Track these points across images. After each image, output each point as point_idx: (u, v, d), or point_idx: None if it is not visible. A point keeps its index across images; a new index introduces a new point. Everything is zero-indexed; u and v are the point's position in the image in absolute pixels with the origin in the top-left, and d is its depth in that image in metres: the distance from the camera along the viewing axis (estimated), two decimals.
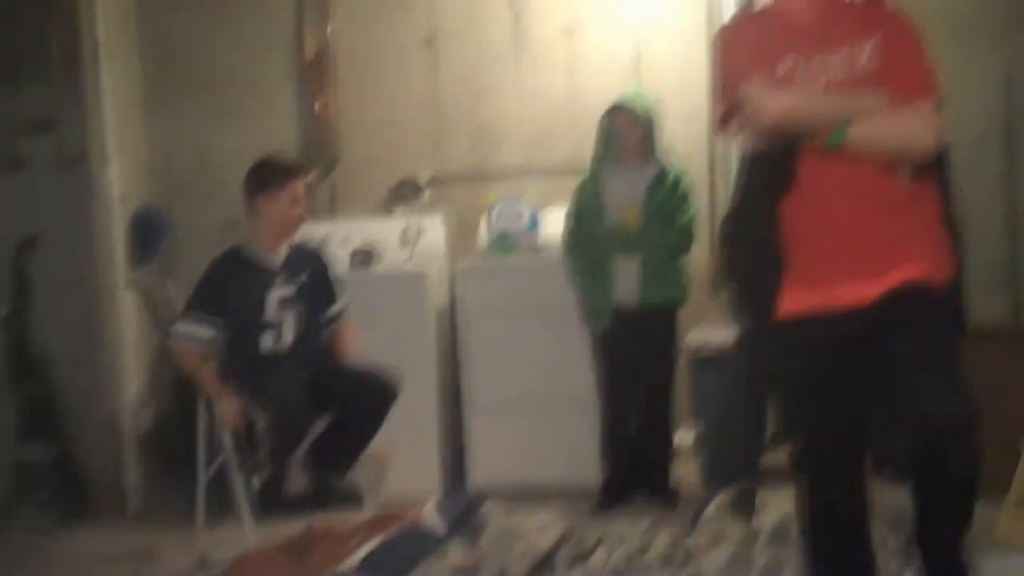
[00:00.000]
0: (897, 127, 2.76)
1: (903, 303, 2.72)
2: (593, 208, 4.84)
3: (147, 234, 5.59)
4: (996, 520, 4.04)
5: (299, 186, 4.54)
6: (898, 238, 2.78)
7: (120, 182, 5.47)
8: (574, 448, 5.05)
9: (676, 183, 4.81)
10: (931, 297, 2.75)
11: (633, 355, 4.78)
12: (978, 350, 4.52)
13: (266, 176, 4.53)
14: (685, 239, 4.82)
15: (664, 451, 4.89)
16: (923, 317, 2.74)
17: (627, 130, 4.80)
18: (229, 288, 4.47)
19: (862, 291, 2.75)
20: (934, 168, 2.84)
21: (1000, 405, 4.33)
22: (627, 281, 4.76)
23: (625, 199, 4.79)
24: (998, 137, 5.41)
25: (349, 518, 4.44)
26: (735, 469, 4.32)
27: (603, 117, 4.87)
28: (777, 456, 3.94)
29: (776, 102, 2.72)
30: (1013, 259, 5.42)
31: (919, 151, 2.76)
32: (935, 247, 2.82)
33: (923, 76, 2.80)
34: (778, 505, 3.90)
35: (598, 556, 3.88)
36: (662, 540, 3.92)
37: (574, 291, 4.92)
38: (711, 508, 4.05)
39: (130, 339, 5.49)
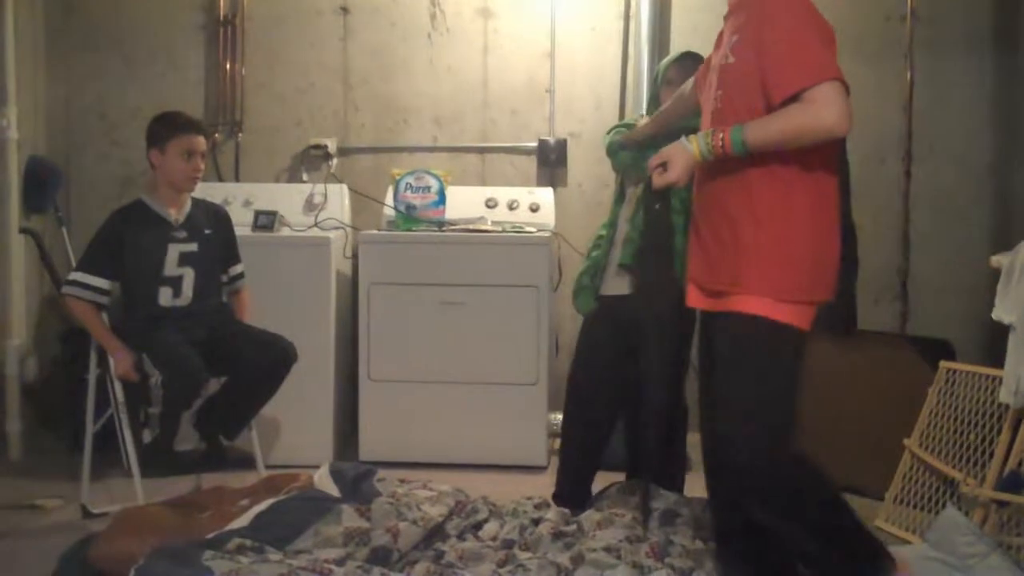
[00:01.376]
0: (787, 122, 2.78)
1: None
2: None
3: (42, 183, 5.47)
4: (878, 513, 4.19)
5: (190, 141, 4.44)
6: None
7: (18, 129, 5.32)
8: (463, 424, 5.08)
9: None
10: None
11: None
12: (868, 354, 4.72)
13: (158, 130, 4.47)
14: None
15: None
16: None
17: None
18: (128, 239, 4.38)
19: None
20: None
21: (886, 407, 4.51)
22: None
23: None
24: (897, 152, 5.60)
25: (240, 479, 4.40)
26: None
27: (660, 67, 4.28)
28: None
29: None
30: (904, 269, 5.62)
31: (821, 134, 2.78)
32: None
33: (796, 66, 2.79)
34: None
35: (489, 527, 3.90)
36: (553, 515, 3.95)
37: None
38: (611, 490, 4.09)
39: (19, 286, 5.35)
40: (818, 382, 4.65)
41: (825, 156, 2.90)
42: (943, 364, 4.33)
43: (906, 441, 4.28)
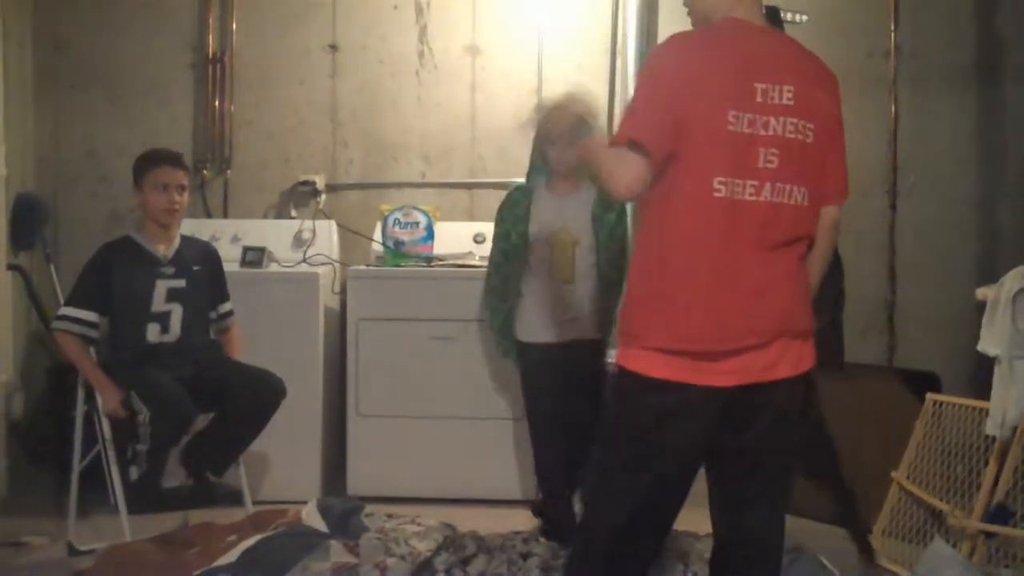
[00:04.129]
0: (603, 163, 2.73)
1: None
2: (521, 230, 4.43)
3: (29, 219, 5.48)
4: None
5: (164, 173, 4.47)
6: None
7: (6, 166, 5.33)
8: (452, 459, 5.07)
9: (623, 211, 4.44)
10: None
11: (560, 383, 4.44)
12: (855, 386, 4.74)
13: (137, 166, 4.53)
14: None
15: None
16: None
17: (565, 145, 4.14)
18: (116, 275, 4.40)
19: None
20: None
21: (874, 439, 4.52)
22: (556, 315, 4.42)
23: (561, 223, 4.37)
24: (882, 185, 5.64)
25: (228, 515, 4.39)
26: None
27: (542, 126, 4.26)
28: None
29: None
30: (890, 302, 5.65)
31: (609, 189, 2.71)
32: None
33: (621, 119, 2.71)
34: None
35: (477, 562, 3.90)
36: (543, 549, 3.95)
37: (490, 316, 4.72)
38: None
39: (6, 323, 5.34)
40: None
41: (682, 205, 2.67)
42: (930, 396, 4.35)
43: (894, 473, 4.30)
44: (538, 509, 4.59)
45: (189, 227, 4.87)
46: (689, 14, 2.87)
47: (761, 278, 2.62)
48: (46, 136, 5.87)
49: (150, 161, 4.51)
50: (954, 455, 4.12)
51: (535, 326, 4.43)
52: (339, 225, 5.65)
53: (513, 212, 4.47)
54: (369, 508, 4.22)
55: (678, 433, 2.64)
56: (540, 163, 4.48)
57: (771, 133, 2.61)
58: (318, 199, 5.77)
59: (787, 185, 2.62)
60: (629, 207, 4.43)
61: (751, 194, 2.59)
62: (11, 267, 5.35)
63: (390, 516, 4.18)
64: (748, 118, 2.59)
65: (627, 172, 2.58)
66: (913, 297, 5.66)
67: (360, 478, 5.10)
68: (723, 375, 2.60)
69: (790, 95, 2.63)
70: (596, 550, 2.75)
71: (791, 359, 2.67)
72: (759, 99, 2.60)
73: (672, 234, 2.63)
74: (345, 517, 4.07)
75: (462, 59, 5.83)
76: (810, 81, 2.72)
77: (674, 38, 2.72)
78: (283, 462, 5.03)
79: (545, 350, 4.41)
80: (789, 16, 4.75)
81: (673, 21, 5.44)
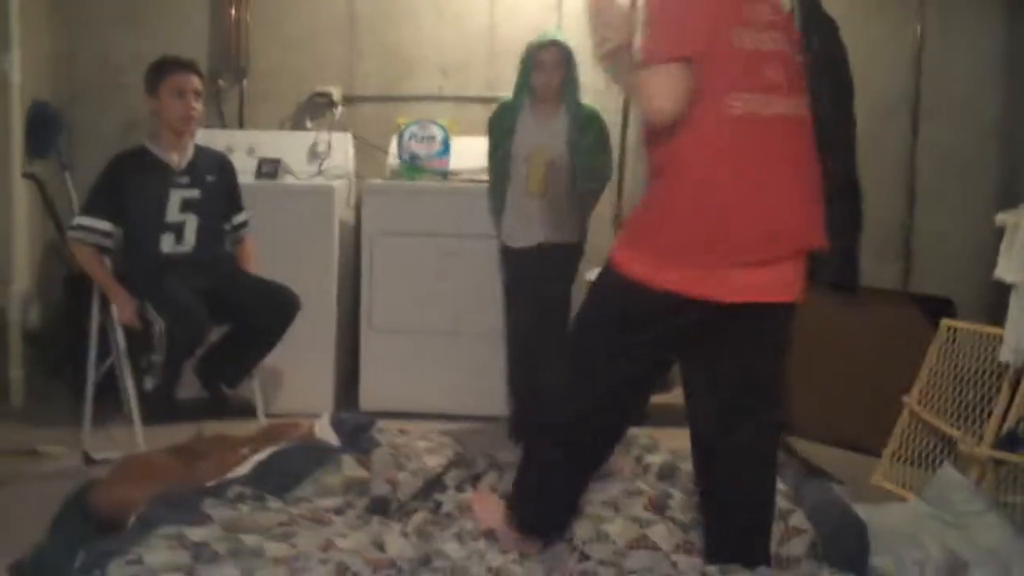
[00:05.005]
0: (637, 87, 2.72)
1: None
2: (506, 146, 4.74)
3: (43, 127, 5.46)
4: (876, 470, 4.20)
5: (181, 79, 4.45)
6: None
7: (21, 73, 5.30)
8: (466, 375, 5.09)
9: (599, 130, 4.75)
10: None
11: (536, 292, 4.75)
12: (869, 311, 4.72)
13: (151, 74, 4.49)
14: (602, 186, 4.88)
15: None
16: None
17: (553, 68, 4.63)
18: (130, 184, 4.39)
19: None
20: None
21: (887, 363, 4.51)
22: (532, 221, 4.72)
23: (538, 141, 4.69)
24: (905, 108, 5.57)
25: (241, 427, 4.42)
26: None
27: (529, 51, 4.69)
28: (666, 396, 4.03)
29: None
30: (908, 226, 5.60)
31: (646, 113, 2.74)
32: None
33: (649, 42, 2.69)
34: (667, 443, 3.97)
35: (488, 479, 3.91)
36: None
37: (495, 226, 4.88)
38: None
39: (22, 232, 5.35)
40: (818, 338, 4.65)
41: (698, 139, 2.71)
42: (944, 322, 4.32)
43: (905, 398, 4.28)
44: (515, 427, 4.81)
45: (204, 137, 4.83)
46: None
47: (777, 196, 2.69)
48: (61, 44, 5.82)
49: (165, 67, 4.47)
50: (967, 382, 4.10)
51: (514, 231, 4.77)
52: (355, 138, 5.61)
53: (500, 126, 4.78)
54: (381, 423, 4.23)
55: (666, 334, 2.78)
56: (525, 85, 4.72)
57: (769, 48, 2.72)
58: (334, 111, 5.73)
59: (793, 99, 2.74)
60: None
61: (766, 108, 2.67)
62: (26, 175, 5.35)
63: (402, 431, 4.18)
64: (748, 35, 2.68)
65: (675, 88, 2.62)
66: (931, 221, 5.62)
67: (373, 392, 5.13)
68: (736, 291, 2.68)
69: (770, 11, 2.76)
70: (558, 428, 2.97)
71: (791, 282, 2.79)
72: (749, 15, 2.70)
73: (695, 150, 2.67)
74: (357, 432, 4.06)
75: None
76: None
77: None
78: (296, 375, 5.05)
79: (522, 253, 4.76)
80: None
81: None
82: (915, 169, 5.60)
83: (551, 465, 3.08)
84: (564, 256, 4.78)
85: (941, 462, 3.96)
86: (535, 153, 4.68)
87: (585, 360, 2.91)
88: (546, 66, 4.62)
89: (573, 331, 3.10)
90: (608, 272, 2.87)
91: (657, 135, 2.76)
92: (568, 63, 4.63)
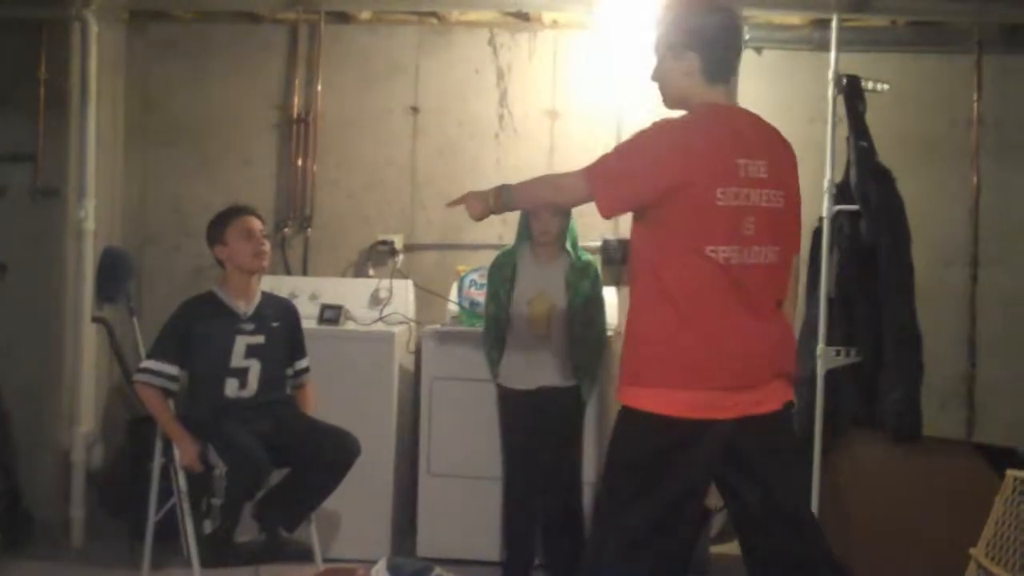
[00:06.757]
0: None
1: None
2: (506, 290, 4.80)
3: (114, 273, 5.61)
4: None
5: (246, 221, 4.58)
6: None
7: (95, 220, 5.48)
8: None
9: (595, 278, 4.87)
10: None
11: (536, 437, 4.74)
12: (932, 461, 4.66)
13: (215, 226, 4.62)
14: (603, 339, 4.91)
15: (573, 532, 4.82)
16: None
17: (550, 216, 4.72)
18: (198, 330, 4.47)
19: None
20: None
21: (952, 514, 4.43)
22: (533, 363, 4.74)
23: (540, 286, 4.76)
24: (964, 256, 5.58)
25: (298, 571, 4.41)
26: None
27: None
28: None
29: None
30: (970, 375, 5.56)
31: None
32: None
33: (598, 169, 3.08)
34: None
35: None
36: None
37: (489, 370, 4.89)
38: None
39: (89, 375, 5.46)
40: (881, 488, 4.59)
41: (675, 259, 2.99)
42: (1010, 472, 4.25)
43: (972, 551, 4.20)
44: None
45: (269, 283, 4.93)
46: (663, 94, 3.19)
47: (752, 328, 2.97)
48: (134, 191, 6.01)
49: (230, 214, 4.60)
50: None
51: (514, 373, 4.78)
52: (415, 285, 5.70)
53: (500, 273, 4.85)
54: (439, 569, 4.20)
55: (683, 464, 2.93)
56: (525, 232, 4.86)
57: (751, 203, 2.96)
58: (395, 258, 5.83)
59: (763, 248, 2.98)
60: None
61: (736, 258, 2.94)
62: (95, 320, 5.48)
63: None
64: (733, 192, 2.93)
65: (571, 195, 3.19)
66: (994, 369, 5.56)
67: (430, 538, 5.12)
68: (723, 409, 2.92)
69: (764, 169, 2.98)
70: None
71: (778, 395, 3.04)
72: (741, 174, 2.95)
73: (673, 289, 2.96)
74: None
75: (541, 122, 5.89)
76: (778, 154, 3.09)
77: (666, 122, 3.05)
78: (354, 520, 5.06)
79: (520, 396, 4.75)
80: (870, 85, 4.73)
81: (749, 85, 5.50)
82: (976, 317, 5.58)
83: None
84: (565, 400, 4.76)
85: None
86: (538, 297, 4.74)
87: (619, 510, 3.00)
88: (542, 214, 4.71)
89: (603, 487, 3.20)
90: (623, 415, 3.03)
91: (634, 267, 3.09)
92: (565, 211, 4.71)
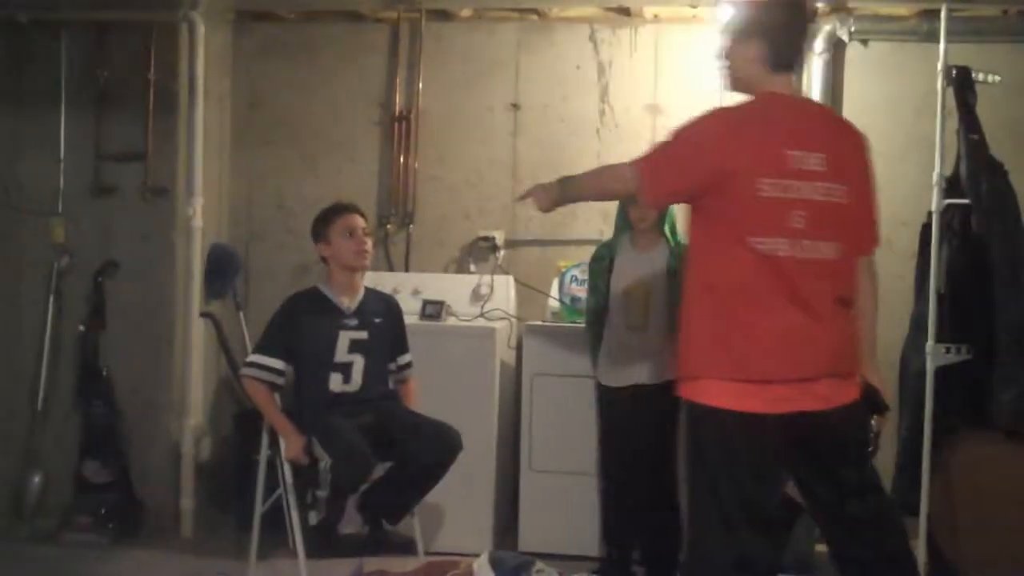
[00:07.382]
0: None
1: None
2: (605, 281, 4.78)
3: (222, 269, 5.72)
4: None
5: (348, 219, 4.62)
6: None
7: (203, 218, 5.60)
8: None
9: None
10: None
11: (631, 437, 4.70)
12: None
13: (318, 224, 4.68)
14: None
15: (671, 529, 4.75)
16: None
17: (646, 209, 4.61)
18: (303, 325, 4.53)
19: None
20: None
21: None
22: (628, 360, 4.69)
23: (637, 274, 4.69)
24: None
25: (401, 564, 4.45)
26: None
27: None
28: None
29: None
30: None
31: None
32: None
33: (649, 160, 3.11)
34: None
35: None
36: None
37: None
38: None
39: (197, 369, 5.59)
40: (995, 486, 4.49)
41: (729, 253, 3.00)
42: None
43: None
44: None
45: (371, 279, 4.98)
46: (727, 77, 3.23)
47: (799, 324, 2.94)
48: (240, 189, 6.12)
49: (332, 212, 4.66)
50: None
51: (610, 370, 4.75)
52: (517, 280, 5.72)
53: (599, 265, 4.83)
54: (540, 564, 4.21)
55: (752, 454, 2.93)
56: (623, 222, 4.83)
57: (801, 196, 2.94)
58: (497, 254, 5.85)
59: (817, 242, 2.96)
60: None
61: (783, 250, 2.93)
62: (203, 315, 5.59)
63: (561, 574, 4.17)
64: (781, 184, 2.92)
65: (624, 185, 3.18)
66: None
67: (532, 533, 5.13)
68: (768, 403, 2.91)
69: (822, 162, 2.97)
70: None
71: (839, 393, 2.99)
72: (792, 165, 2.94)
73: (715, 279, 2.99)
74: (516, 572, 4.08)
75: (642, 118, 5.86)
76: (843, 148, 3.07)
77: (721, 109, 3.09)
78: (456, 514, 5.09)
79: (617, 393, 4.71)
80: (981, 76, 4.62)
81: (855, 78, 5.42)
82: None
83: None
84: (661, 398, 4.34)
85: None
86: (634, 286, 4.68)
87: (708, 510, 3.00)
88: (639, 208, 4.65)
89: (688, 488, 3.20)
90: (690, 413, 3.06)
91: (692, 263, 3.09)
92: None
